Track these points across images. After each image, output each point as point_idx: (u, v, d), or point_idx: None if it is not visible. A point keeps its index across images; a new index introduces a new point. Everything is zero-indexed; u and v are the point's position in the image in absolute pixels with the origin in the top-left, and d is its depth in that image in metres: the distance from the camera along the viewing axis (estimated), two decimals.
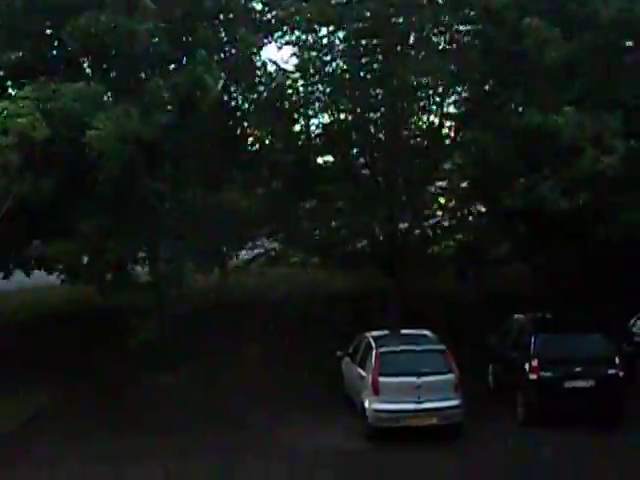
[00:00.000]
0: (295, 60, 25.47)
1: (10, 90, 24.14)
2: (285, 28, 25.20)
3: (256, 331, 25.79)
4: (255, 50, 25.13)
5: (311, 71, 25.45)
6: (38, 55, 23.77)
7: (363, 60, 25.30)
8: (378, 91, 25.17)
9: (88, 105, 21.37)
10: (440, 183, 26.86)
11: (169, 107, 22.70)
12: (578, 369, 20.49)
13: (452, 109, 26.55)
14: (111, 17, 21.84)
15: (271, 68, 25.73)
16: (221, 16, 24.77)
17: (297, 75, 25.60)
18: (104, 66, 24.24)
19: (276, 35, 25.52)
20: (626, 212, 22.45)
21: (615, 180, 22.07)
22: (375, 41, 24.81)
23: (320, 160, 27.10)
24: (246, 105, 26.36)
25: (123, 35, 21.95)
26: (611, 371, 20.54)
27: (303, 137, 26.50)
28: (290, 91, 25.72)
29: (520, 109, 23.88)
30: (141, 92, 22.53)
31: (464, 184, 26.90)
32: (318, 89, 25.98)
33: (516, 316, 22.92)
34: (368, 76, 25.26)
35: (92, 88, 21.71)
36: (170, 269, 24.09)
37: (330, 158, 27.03)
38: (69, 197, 22.68)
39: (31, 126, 20.07)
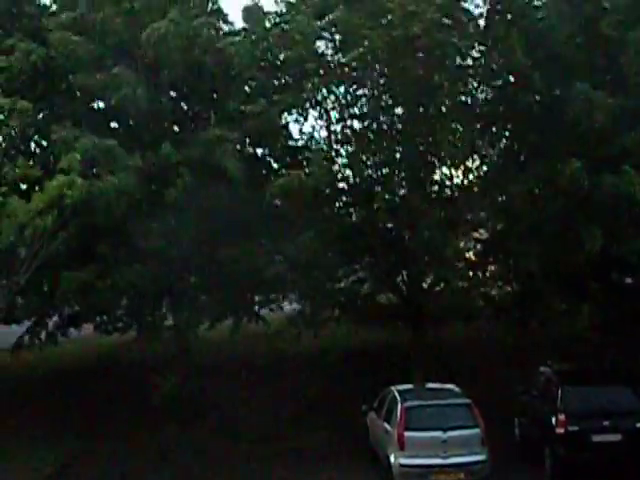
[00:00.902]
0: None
1: None
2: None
3: (280, 384, 25.77)
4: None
5: (335, 128, 25.80)
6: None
7: (386, 118, 25.54)
8: (400, 147, 25.31)
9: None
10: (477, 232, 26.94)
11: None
12: (606, 423, 20.30)
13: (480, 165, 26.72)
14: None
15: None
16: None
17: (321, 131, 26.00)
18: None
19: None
20: None
21: None
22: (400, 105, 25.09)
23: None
24: (273, 164, 26.77)
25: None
26: (639, 425, 20.35)
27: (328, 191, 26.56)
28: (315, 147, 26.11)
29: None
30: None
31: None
32: (342, 145, 26.27)
33: (542, 368, 22.77)
34: (392, 132, 25.45)
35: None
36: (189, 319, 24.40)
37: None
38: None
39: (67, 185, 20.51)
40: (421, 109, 24.79)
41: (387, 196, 25.64)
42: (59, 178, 20.61)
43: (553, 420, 20.51)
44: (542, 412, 21.34)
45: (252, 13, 25.51)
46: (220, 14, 26.86)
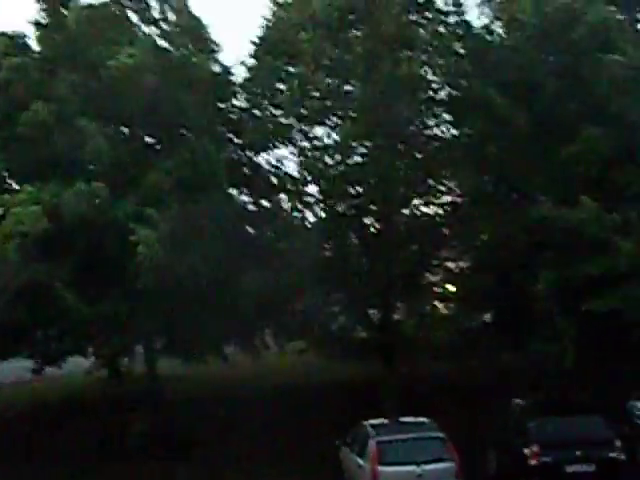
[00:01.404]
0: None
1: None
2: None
3: (253, 419, 25.63)
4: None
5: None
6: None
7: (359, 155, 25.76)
8: (372, 181, 25.47)
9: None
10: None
11: None
12: (579, 453, 20.29)
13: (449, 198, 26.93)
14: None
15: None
16: None
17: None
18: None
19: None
20: None
21: None
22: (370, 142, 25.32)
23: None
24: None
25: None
26: (612, 454, 20.34)
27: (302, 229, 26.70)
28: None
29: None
30: None
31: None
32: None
33: (516, 400, 22.77)
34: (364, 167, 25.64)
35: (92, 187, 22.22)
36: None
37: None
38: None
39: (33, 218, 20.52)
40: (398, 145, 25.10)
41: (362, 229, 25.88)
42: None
43: (526, 451, 20.47)
44: (515, 444, 21.30)
45: None
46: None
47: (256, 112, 26.10)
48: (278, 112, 25.93)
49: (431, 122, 26.21)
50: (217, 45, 26.44)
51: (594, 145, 23.18)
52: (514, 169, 24.53)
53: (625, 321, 23.23)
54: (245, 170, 26.64)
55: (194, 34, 25.79)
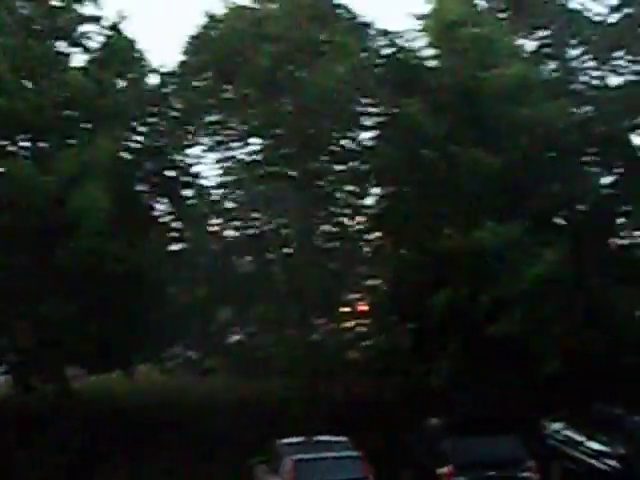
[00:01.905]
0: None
1: None
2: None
3: (167, 439, 25.23)
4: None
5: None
6: None
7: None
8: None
9: None
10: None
11: None
12: (492, 473, 20.45)
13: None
14: None
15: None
16: None
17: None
18: None
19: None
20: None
21: None
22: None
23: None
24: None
25: None
26: (525, 474, 20.57)
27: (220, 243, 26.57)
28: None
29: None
30: None
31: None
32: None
33: (431, 419, 22.89)
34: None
35: None
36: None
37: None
38: None
39: None
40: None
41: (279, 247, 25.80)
42: None
43: (441, 472, 20.55)
44: (430, 463, 21.37)
45: None
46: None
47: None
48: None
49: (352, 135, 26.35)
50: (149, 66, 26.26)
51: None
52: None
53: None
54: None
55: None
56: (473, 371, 24.23)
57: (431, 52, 26.98)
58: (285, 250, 26.09)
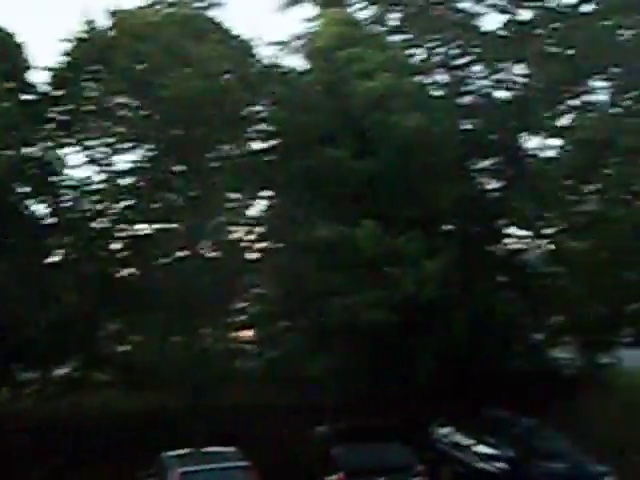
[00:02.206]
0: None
1: None
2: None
3: (49, 456, 24.43)
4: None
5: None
6: None
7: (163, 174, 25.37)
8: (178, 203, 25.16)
9: None
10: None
11: None
12: (382, 479, 20.41)
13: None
14: None
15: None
16: None
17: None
18: None
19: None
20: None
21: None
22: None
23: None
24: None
25: None
26: (415, 479, 20.61)
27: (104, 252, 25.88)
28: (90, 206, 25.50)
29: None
30: None
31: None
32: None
33: (319, 427, 22.75)
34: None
35: None
36: None
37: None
38: None
39: None
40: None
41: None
42: None
43: (331, 479, 20.42)
44: (320, 471, 21.21)
45: None
46: None
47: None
48: None
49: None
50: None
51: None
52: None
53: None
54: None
55: None
56: (361, 377, 24.21)
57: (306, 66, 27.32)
58: (171, 258, 25.53)
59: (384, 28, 30.20)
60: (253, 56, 26.33)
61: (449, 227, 27.36)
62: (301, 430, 23.43)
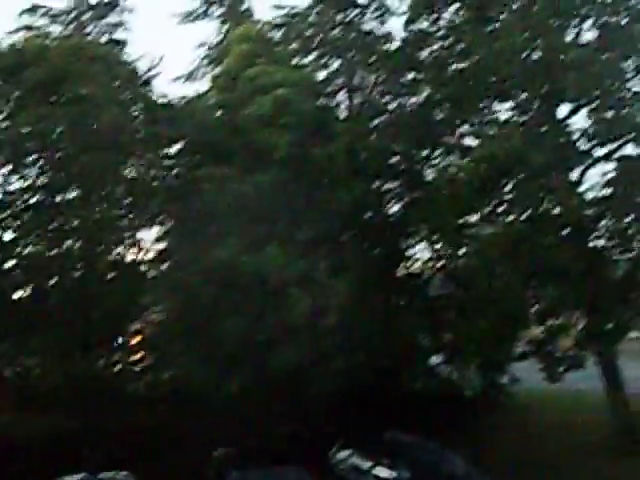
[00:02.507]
0: None
1: None
2: None
3: None
4: None
5: None
6: None
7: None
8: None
9: None
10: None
11: None
12: None
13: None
14: None
15: None
16: None
17: None
18: None
19: None
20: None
21: None
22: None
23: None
24: None
25: None
26: None
27: None
28: None
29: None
30: None
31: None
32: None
33: (218, 450, 22.42)
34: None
35: None
36: None
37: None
38: None
39: None
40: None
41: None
42: None
43: None
44: None
45: None
46: None
47: None
48: None
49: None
50: None
51: None
52: None
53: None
54: None
55: None
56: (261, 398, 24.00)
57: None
58: (66, 280, 24.94)
59: (293, 46, 30.29)
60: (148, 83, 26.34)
61: (350, 247, 27.29)
62: (199, 453, 23.03)
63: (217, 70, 27.90)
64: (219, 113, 26.87)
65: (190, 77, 32.19)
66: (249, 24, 29.61)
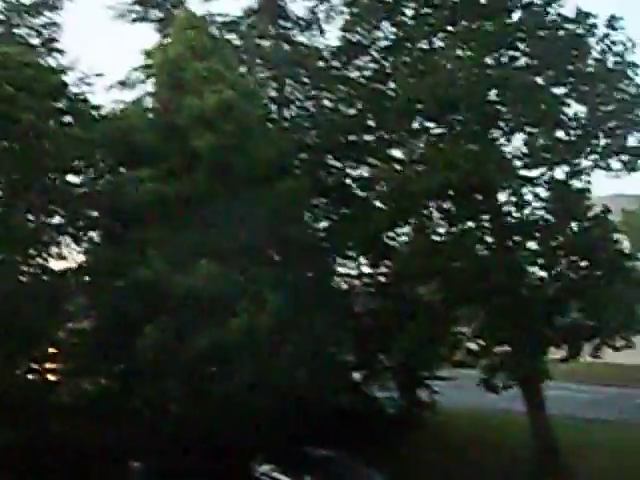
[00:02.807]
0: None
1: None
2: None
3: None
4: None
5: None
6: None
7: None
8: None
9: None
10: None
11: None
12: None
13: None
14: None
15: None
16: None
17: None
18: None
19: None
20: None
21: None
22: None
23: None
24: None
25: None
26: None
27: None
28: None
29: None
30: None
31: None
32: None
33: (134, 463, 22.05)
34: None
35: None
36: None
37: None
38: None
39: None
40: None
41: None
42: None
43: None
44: None
45: None
46: None
47: None
48: None
49: None
50: None
51: None
52: None
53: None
54: None
55: None
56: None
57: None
58: None
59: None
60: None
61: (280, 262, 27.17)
62: (117, 466, 22.63)
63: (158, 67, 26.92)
64: (154, 115, 26.26)
65: (126, 84, 31.53)
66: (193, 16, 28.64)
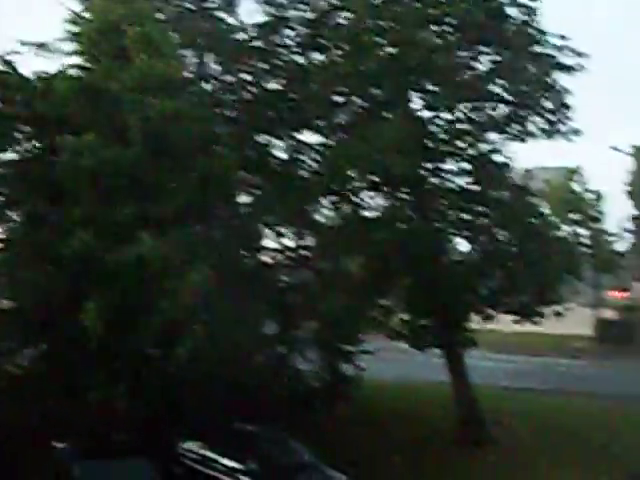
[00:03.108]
0: None
1: None
2: None
3: None
4: None
5: None
6: None
7: None
8: None
9: None
10: None
11: None
12: None
13: None
14: None
15: None
16: None
17: None
18: None
19: None
20: None
21: None
22: None
23: None
24: None
25: None
26: None
27: None
28: None
29: None
30: None
31: None
32: None
33: (58, 444, 21.67)
34: None
35: None
36: None
37: None
38: None
39: None
40: None
41: None
42: None
43: None
44: None
45: None
46: None
47: None
48: None
49: None
50: None
51: None
52: None
53: None
54: None
55: None
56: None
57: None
58: None
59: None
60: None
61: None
62: (40, 448, 22.18)
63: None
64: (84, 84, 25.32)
65: (50, 48, 29.73)
66: None
